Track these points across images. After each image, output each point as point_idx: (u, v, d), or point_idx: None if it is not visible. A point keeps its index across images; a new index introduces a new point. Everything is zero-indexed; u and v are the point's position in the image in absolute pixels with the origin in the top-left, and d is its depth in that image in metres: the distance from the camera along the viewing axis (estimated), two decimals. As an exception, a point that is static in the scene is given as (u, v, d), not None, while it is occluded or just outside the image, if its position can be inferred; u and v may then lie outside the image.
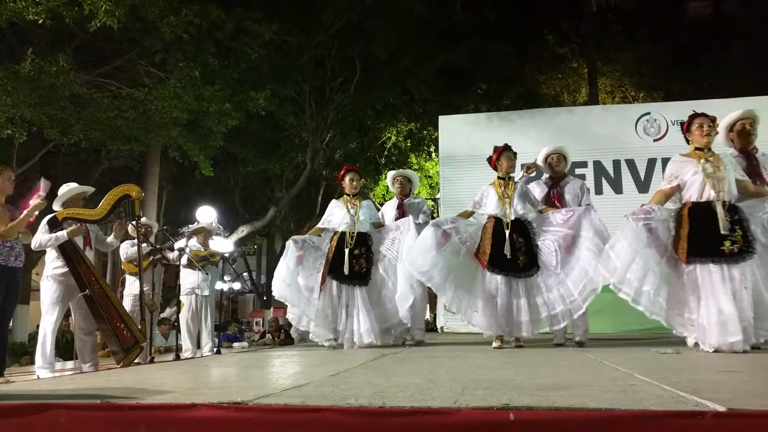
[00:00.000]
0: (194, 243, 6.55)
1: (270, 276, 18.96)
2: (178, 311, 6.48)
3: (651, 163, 7.74)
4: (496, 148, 4.53)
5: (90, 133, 8.69)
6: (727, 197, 3.54)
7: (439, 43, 12.51)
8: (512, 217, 4.27)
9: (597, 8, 17.07)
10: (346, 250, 4.68)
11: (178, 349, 5.42)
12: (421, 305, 5.11)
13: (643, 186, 7.68)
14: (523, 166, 4.75)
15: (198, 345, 6.40)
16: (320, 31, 11.56)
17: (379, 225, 5.06)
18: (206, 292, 6.42)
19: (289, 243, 4.76)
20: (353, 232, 4.75)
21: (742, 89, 9.70)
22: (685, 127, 3.86)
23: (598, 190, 7.73)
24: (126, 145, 9.37)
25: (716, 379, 2.13)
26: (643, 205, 3.76)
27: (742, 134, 4.02)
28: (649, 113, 8.08)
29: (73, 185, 4.75)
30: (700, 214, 3.54)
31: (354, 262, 4.67)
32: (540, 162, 4.90)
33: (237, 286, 21.38)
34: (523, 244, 4.22)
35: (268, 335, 9.84)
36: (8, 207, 4.30)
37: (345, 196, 5.02)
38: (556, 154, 4.83)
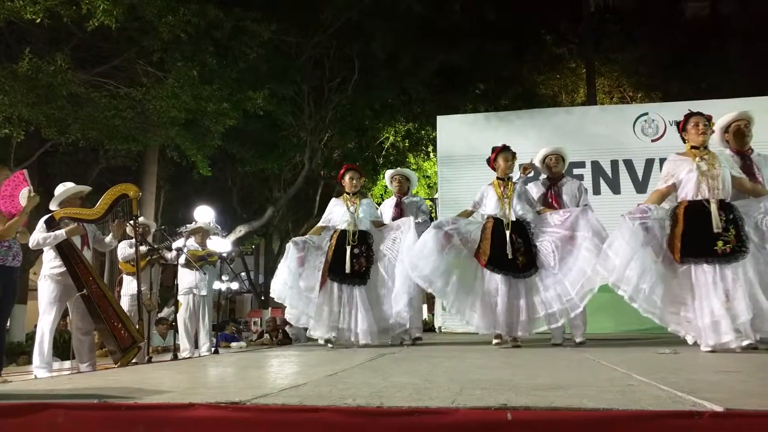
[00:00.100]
0: (192, 243, 6.55)
1: (268, 276, 18.97)
2: (176, 311, 6.47)
3: (649, 163, 7.73)
4: (494, 149, 4.54)
5: (87, 133, 8.68)
6: (722, 195, 3.55)
7: (438, 43, 12.49)
8: (512, 218, 4.29)
9: (595, 8, 17.06)
10: (348, 248, 4.68)
11: (176, 348, 5.42)
12: (418, 304, 5.10)
13: (641, 186, 7.66)
14: (520, 166, 4.75)
15: (196, 345, 6.39)
16: (319, 30, 11.55)
17: (379, 223, 5.06)
18: (204, 292, 6.42)
19: (290, 245, 4.75)
20: (354, 230, 4.76)
21: (740, 89, 9.71)
22: (681, 126, 3.87)
23: (596, 191, 7.72)
24: (124, 145, 9.36)
25: (714, 379, 2.13)
26: (639, 204, 3.77)
27: (737, 135, 4.06)
28: (647, 113, 8.06)
29: (70, 185, 4.73)
30: (694, 213, 3.55)
31: (354, 261, 4.67)
32: (538, 163, 4.91)
33: (235, 285, 21.41)
34: (522, 245, 4.24)
35: (266, 335, 9.83)
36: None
37: (345, 194, 5.02)
38: (554, 155, 4.84)
